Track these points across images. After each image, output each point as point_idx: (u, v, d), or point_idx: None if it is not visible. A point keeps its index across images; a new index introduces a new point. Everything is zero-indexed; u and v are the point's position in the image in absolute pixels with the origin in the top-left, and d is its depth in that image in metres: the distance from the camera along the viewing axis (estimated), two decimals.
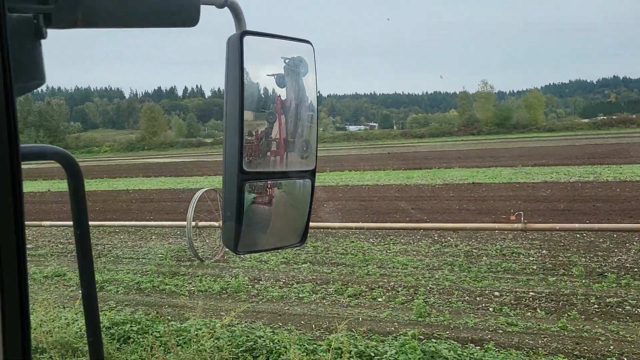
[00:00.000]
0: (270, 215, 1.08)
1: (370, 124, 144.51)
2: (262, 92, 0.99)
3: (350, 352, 5.76)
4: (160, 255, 11.90)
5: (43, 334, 6.42)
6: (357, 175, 28.45)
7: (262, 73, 0.98)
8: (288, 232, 1.14)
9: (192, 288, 9.16)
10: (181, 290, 9.04)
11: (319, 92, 1.14)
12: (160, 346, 6.37)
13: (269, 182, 1.03)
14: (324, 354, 5.81)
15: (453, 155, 40.75)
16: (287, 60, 1.01)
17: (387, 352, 5.75)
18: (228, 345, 6.12)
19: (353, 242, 12.28)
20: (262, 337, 6.38)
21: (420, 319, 7.15)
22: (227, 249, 11.54)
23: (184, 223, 15.19)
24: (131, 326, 6.90)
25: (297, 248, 12.23)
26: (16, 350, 0.73)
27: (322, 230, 13.59)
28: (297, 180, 1.08)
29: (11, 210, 0.70)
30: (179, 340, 6.51)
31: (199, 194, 11.41)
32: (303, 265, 10.38)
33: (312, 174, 1.08)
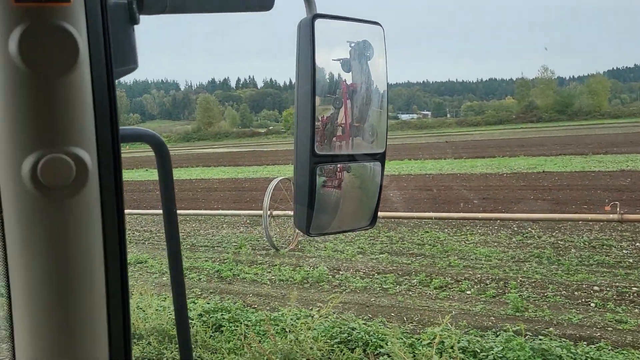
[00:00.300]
0: (340, 199, 1.09)
1: (423, 112, 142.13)
2: (327, 77, 0.98)
3: (452, 347, 5.54)
4: (235, 244, 11.98)
5: (139, 320, 6.52)
6: (417, 164, 27.95)
7: (327, 57, 0.96)
8: (358, 214, 1.15)
9: (273, 277, 9.13)
10: (262, 279, 9.03)
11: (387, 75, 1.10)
12: (252, 335, 6.34)
13: (338, 165, 1.03)
14: (423, 349, 5.61)
15: (514, 143, 39.43)
16: (352, 44, 1.00)
17: (493, 348, 5.48)
18: (322, 336, 6.01)
19: (427, 232, 11.97)
20: (356, 328, 6.23)
21: (517, 314, 6.82)
22: (300, 239, 11.57)
23: (253, 212, 15.33)
24: (222, 314, 6.90)
25: (367, 231, 12.11)
26: (118, 337, 0.79)
27: (392, 220, 13.33)
28: (367, 164, 1.08)
29: (113, 197, 0.74)
30: (273, 330, 6.46)
31: (274, 183, 11.37)
32: (380, 255, 10.18)
33: (382, 157, 1.08)
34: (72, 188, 0.69)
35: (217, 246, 11.96)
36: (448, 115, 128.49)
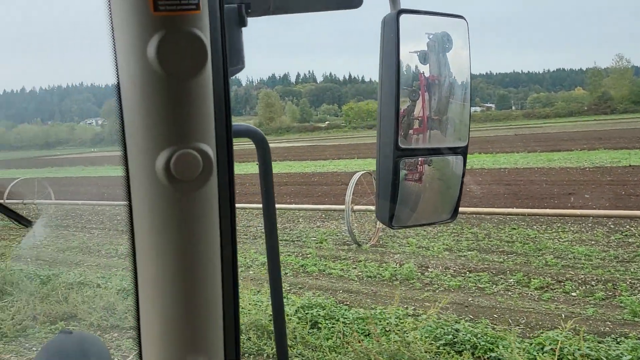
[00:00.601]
0: (421, 192, 1.09)
1: (486, 104, 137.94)
2: (404, 69, 0.97)
3: (572, 354, 5.14)
4: (314, 238, 11.88)
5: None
6: (489, 158, 27.00)
7: (404, 50, 0.95)
8: (439, 208, 1.15)
9: (359, 273, 8.93)
10: (349, 275, 8.85)
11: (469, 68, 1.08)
12: (351, 333, 6.17)
13: (419, 158, 1.03)
14: (541, 355, 5.23)
15: (591, 135, 37.43)
16: (430, 36, 0.99)
17: (621, 356, 5.05)
18: (426, 337, 5.75)
19: (515, 229, 11.42)
20: (460, 330, 5.93)
21: (637, 319, 6.29)
22: (380, 234, 11.32)
23: (328, 206, 15.20)
24: (317, 311, 6.77)
25: (450, 227, 11.69)
26: (231, 326, 0.86)
27: (474, 215, 12.82)
28: (449, 157, 1.07)
29: (228, 190, 0.82)
30: (369, 329, 6.26)
31: (356, 177, 11.15)
32: (469, 252, 9.76)
33: (464, 151, 1.07)
34: (199, 181, 0.74)
35: (297, 240, 11.89)
36: (513, 108, 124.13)
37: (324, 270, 9.22)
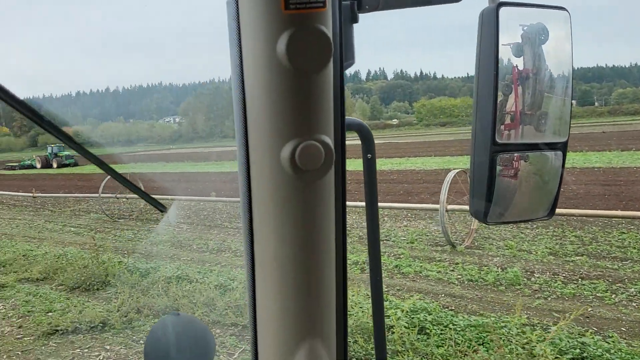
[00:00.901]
0: (516, 188, 1.05)
1: None
2: None
3: None
4: (403, 238, 11.52)
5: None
6: (579, 157, 25.42)
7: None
8: (535, 204, 1.11)
9: (459, 276, 8.50)
10: (448, 278, 8.44)
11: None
12: (464, 341, 5.80)
13: (515, 154, 1.00)
14: None
15: None
16: (525, 28, 0.96)
17: None
18: (551, 350, 5.28)
19: (625, 232, 10.54)
20: (589, 344, 5.42)
21: None
22: (474, 235, 10.79)
23: (411, 205, 14.78)
24: (424, 315, 6.45)
25: (550, 230, 10.97)
26: (340, 315, 0.91)
27: (574, 217, 11.99)
28: (547, 153, 1.05)
29: (340, 181, 0.87)
30: (483, 338, 5.86)
31: (451, 175, 10.69)
32: (577, 258, 9.08)
33: (563, 147, 1.04)
34: (321, 171, 0.77)
35: (385, 240, 11.58)
36: (596, 104, 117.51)
37: (420, 272, 8.86)
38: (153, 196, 1.10)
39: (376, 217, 1.11)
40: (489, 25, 0.91)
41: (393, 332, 6.02)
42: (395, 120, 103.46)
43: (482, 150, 0.94)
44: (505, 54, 0.94)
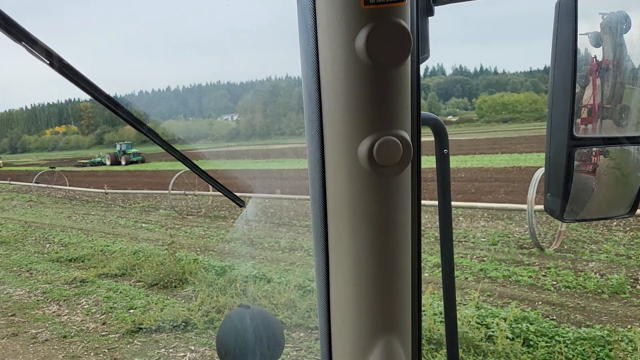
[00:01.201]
0: (594, 184, 1.01)
1: None
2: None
3: None
4: (484, 240, 10.93)
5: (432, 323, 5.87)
6: None
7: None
8: (615, 201, 1.05)
9: (554, 282, 7.89)
10: (542, 284, 7.84)
11: None
12: (576, 356, 5.26)
13: (594, 149, 0.97)
14: None
15: None
16: (604, 16, 0.91)
17: None
18: None
19: None
20: None
21: None
22: (562, 237, 10.08)
23: (486, 204, 14.09)
24: (526, 325, 5.94)
25: (625, 219, 10.09)
26: (415, 312, 0.91)
27: None
28: (630, 148, 0.99)
29: (416, 176, 0.86)
30: (597, 352, 5.31)
31: (538, 173, 10.00)
32: None
33: None
34: (398, 167, 0.77)
35: (464, 241, 11.02)
36: None
37: (509, 277, 8.29)
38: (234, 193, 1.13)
39: (449, 216, 1.08)
40: (567, 14, 0.87)
41: (494, 343, 5.56)
42: (450, 116, 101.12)
43: (559, 144, 0.90)
44: (583, 44, 0.89)
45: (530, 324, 6.00)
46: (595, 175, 1.01)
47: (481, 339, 5.62)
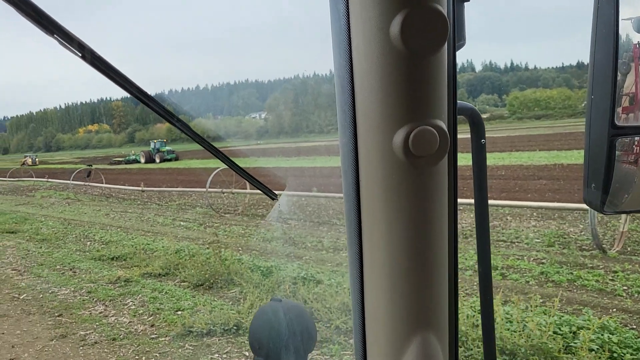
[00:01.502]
0: (635, 175, 0.94)
1: None
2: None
3: None
4: (538, 240, 10.42)
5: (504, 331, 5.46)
6: None
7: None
8: None
9: (625, 287, 7.37)
10: (612, 289, 7.33)
11: None
12: None
13: (636, 138, 0.90)
14: None
15: None
16: None
17: None
18: None
19: None
20: None
21: None
22: (624, 238, 9.50)
23: (533, 204, 13.51)
24: (607, 336, 5.48)
25: None
26: (452, 308, 0.86)
27: None
28: None
29: (452, 167, 0.81)
30: None
31: None
32: None
33: None
34: (435, 157, 0.74)
35: (517, 242, 10.52)
36: None
37: (574, 281, 7.80)
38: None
39: (486, 210, 1.02)
40: (608, 1, 0.81)
41: (573, 354, 5.14)
42: (486, 113, 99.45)
43: (599, 133, 0.86)
44: (624, 29, 0.84)
45: (611, 334, 5.55)
46: (637, 166, 0.96)
47: (559, 350, 5.19)
